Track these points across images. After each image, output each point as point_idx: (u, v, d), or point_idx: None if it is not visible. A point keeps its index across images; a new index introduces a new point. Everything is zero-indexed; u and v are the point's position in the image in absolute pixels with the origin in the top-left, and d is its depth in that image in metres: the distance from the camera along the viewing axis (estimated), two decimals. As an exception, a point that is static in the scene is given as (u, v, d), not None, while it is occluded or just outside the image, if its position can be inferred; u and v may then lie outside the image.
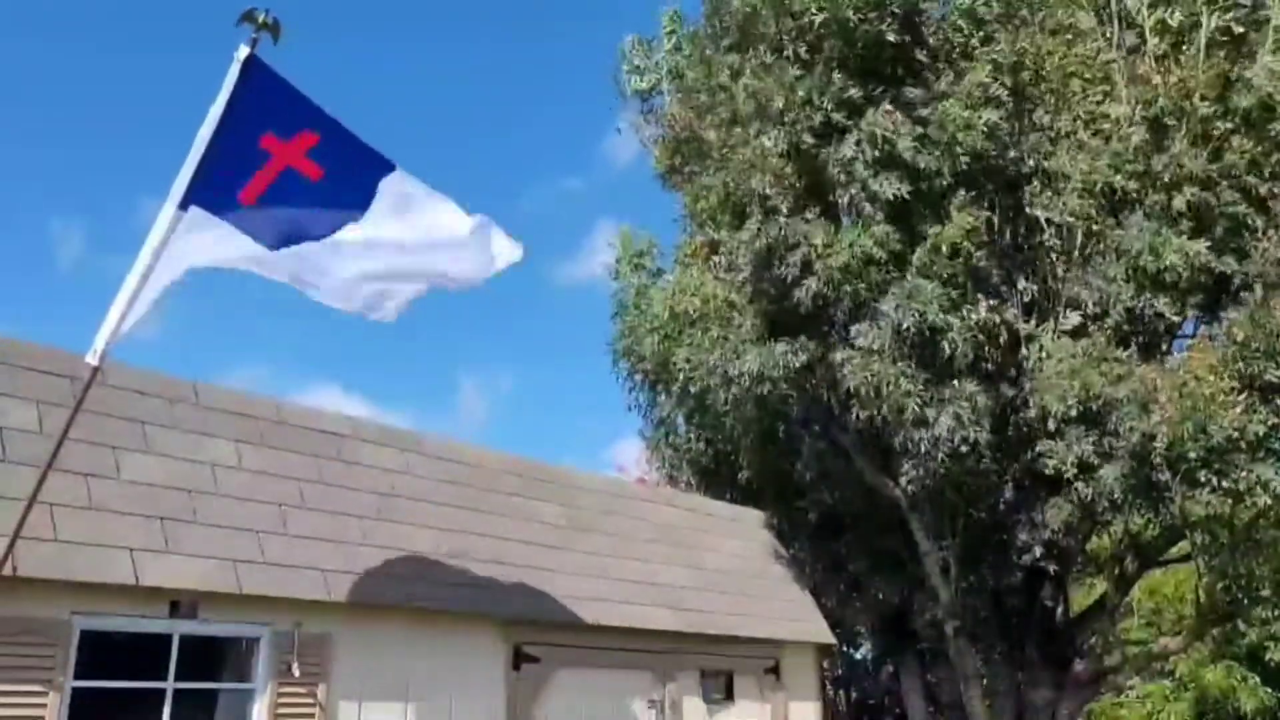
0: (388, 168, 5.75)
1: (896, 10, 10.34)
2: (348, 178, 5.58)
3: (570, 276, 50.68)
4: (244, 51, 4.91)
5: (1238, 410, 8.67)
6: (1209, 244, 9.55)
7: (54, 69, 38.10)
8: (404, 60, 44.83)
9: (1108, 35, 10.48)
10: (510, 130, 47.39)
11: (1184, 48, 10.09)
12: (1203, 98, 9.65)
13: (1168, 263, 9.42)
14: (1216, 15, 9.95)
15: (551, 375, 52.41)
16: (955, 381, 9.99)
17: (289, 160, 5.23)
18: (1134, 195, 9.97)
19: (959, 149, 9.93)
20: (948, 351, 9.84)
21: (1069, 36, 10.58)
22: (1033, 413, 9.79)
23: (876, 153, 9.90)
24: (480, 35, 44.27)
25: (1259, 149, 9.52)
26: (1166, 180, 9.69)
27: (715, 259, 12.39)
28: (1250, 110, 9.51)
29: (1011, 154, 10.58)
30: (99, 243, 44.17)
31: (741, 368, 10.76)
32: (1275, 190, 9.48)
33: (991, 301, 10.21)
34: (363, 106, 40.00)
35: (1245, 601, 11.54)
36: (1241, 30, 10.00)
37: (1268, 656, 16.61)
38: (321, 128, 5.38)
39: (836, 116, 10.16)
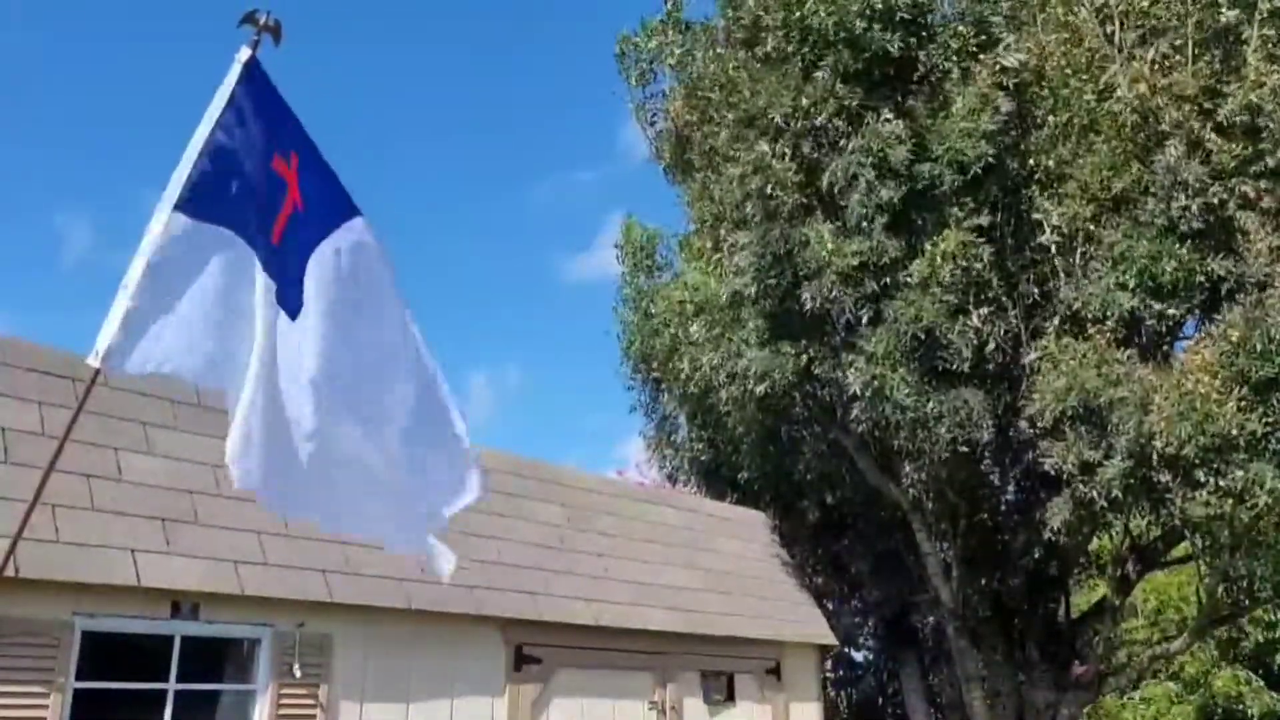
0: (352, 211, 4.95)
1: (906, 16, 10.34)
2: (317, 210, 4.92)
3: (580, 270, 50.55)
4: (245, 54, 4.89)
5: (1233, 408, 8.67)
6: (1204, 247, 9.56)
7: (59, 60, 38.12)
8: (417, 50, 44.65)
9: (1109, 33, 10.48)
10: (524, 121, 47.24)
11: (1174, 51, 10.08)
12: (1191, 103, 9.65)
13: (1165, 270, 9.43)
14: (1198, 12, 9.96)
15: (560, 371, 52.33)
16: (956, 385, 10.00)
17: (294, 192, 4.82)
18: (1132, 199, 9.97)
19: (960, 156, 9.94)
20: (949, 356, 9.86)
21: (1067, 35, 10.57)
22: (1033, 413, 9.79)
23: (874, 159, 9.91)
24: (494, 25, 44.18)
25: (1247, 151, 9.53)
26: (1162, 184, 9.69)
27: (719, 257, 12.40)
28: (1236, 113, 9.52)
29: (1013, 158, 10.58)
30: (105, 237, 44.09)
31: (743, 367, 10.78)
32: (1264, 191, 9.48)
33: (990, 308, 10.21)
34: (375, 96, 40.02)
35: (1246, 603, 11.54)
36: (1232, 22, 9.99)
37: (1277, 659, 16.67)
38: (300, 145, 4.92)
39: (838, 123, 10.19)
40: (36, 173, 40.49)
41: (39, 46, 37.04)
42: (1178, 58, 9.96)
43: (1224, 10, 9.96)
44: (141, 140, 40.69)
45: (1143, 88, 9.78)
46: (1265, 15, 9.83)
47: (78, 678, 6.05)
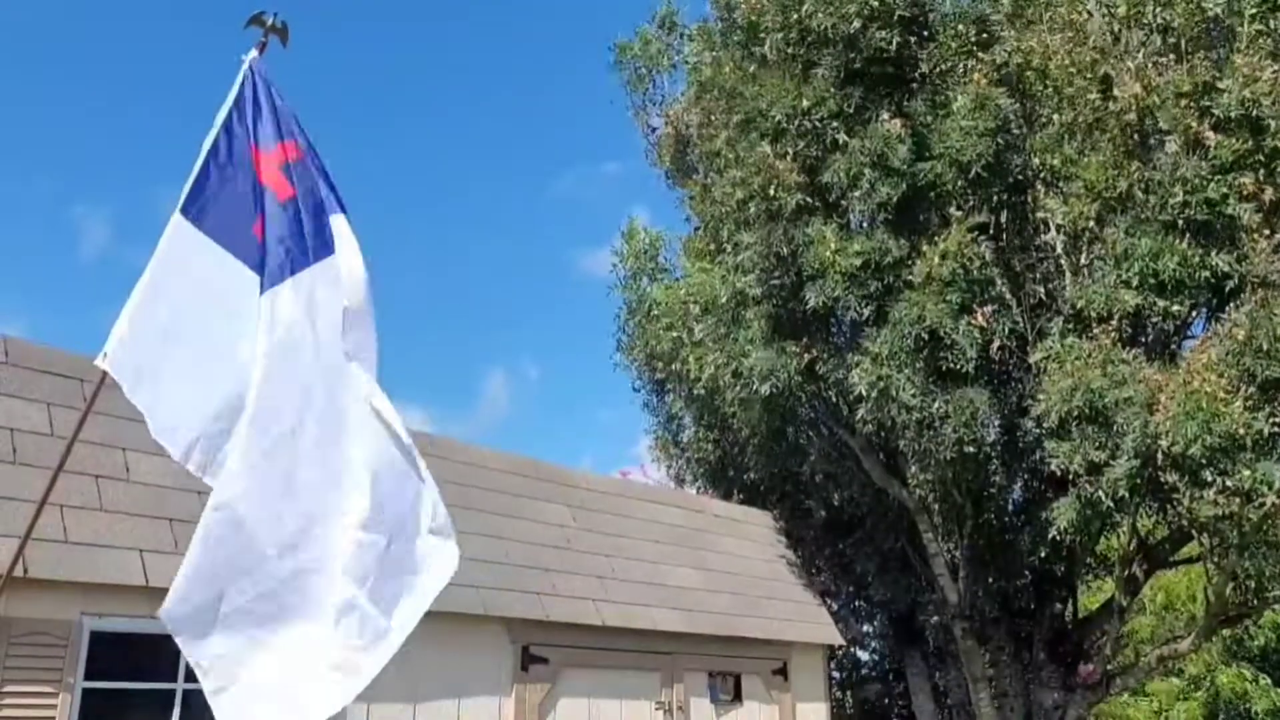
0: (337, 207, 4.73)
1: (906, 15, 10.36)
2: (310, 206, 4.72)
3: (597, 264, 50.27)
4: (253, 55, 4.92)
5: (1238, 407, 8.65)
6: (1207, 243, 9.55)
7: (71, 49, 38.09)
8: (441, 39, 44.41)
9: (1115, 31, 10.48)
10: (549, 112, 46.95)
11: (1169, 49, 10.09)
12: (1188, 99, 9.65)
13: (1168, 266, 9.42)
14: (1187, 8, 9.98)
15: (577, 366, 52.20)
16: (962, 385, 10.00)
17: (266, 178, 4.68)
18: (1134, 197, 9.96)
19: (960, 156, 9.95)
20: (954, 356, 9.86)
21: (1070, 34, 10.57)
22: (1039, 413, 9.79)
23: (874, 159, 9.93)
24: (520, 14, 44.01)
25: (1246, 145, 9.52)
26: (1163, 181, 9.68)
27: (722, 258, 12.43)
28: (1230, 108, 9.52)
29: (1016, 157, 10.59)
30: (122, 230, 43.99)
31: (748, 367, 10.79)
32: (1263, 183, 9.47)
33: (994, 307, 10.22)
34: (397, 85, 39.88)
35: (1255, 603, 11.51)
36: (1221, 15, 10.01)
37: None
38: (305, 142, 4.81)
39: (836, 124, 10.21)
40: (52, 163, 40.54)
41: (49, 38, 37.06)
42: (1171, 56, 9.97)
43: (1210, 4, 9.97)
44: (159, 131, 40.59)
45: (1138, 87, 9.78)
46: (1254, 11, 9.82)
47: (86, 677, 6.08)
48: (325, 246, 4.67)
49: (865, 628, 15.98)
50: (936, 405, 9.93)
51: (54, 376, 6.72)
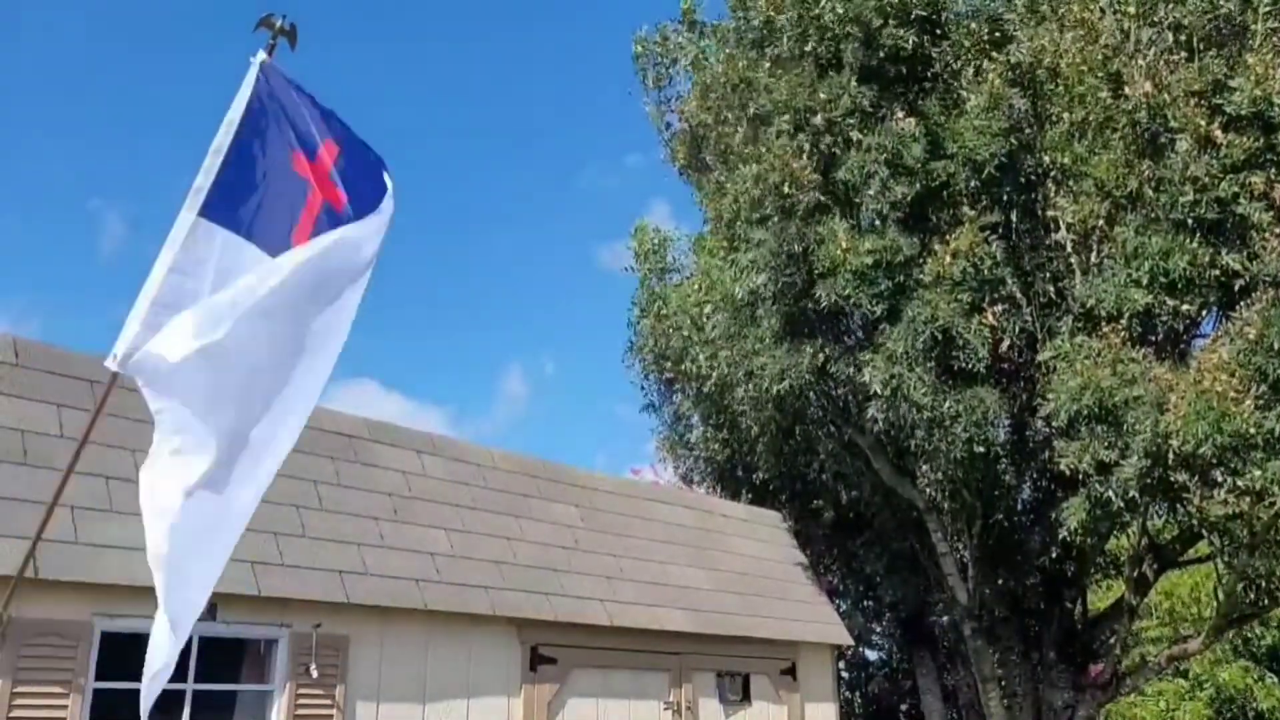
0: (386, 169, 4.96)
1: (922, 13, 10.34)
2: (362, 192, 4.86)
3: (616, 258, 50.13)
4: (261, 57, 4.91)
5: (1249, 406, 8.61)
6: (1217, 242, 9.51)
7: (86, 44, 38.16)
8: (461, 33, 44.32)
9: (1125, 29, 10.44)
10: (570, 104, 46.76)
11: (1179, 46, 10.05)
12: (1199, 98, 9.61)
13: (1178, 265, 9.39)
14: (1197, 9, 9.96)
15: (595, 362, 52.15)
16: (973, 384, 9.98)
17: (322, 190, 4.78)
18: (1145, 196, 9.92)
19: (974, 155, 9.93)
20: (965, 355, 9.83)
21: (1082, 32, 10.54)
22: (1049, 413, 9.76)
23: (888, 157, 9.92)
24: (541, 7, 43.86)
25: (1257, 144, 9.48)
26: (1173, 180, 9.64)
27: (734, 257, 12.42)
28: (1242, 106, 9.47)
29: (1028, 156, 10.56)
30: (138, 225, 44.00)
31: (759, 365, 10.77)
32: (1275, 183, 9.42)
33: (1005, 306, 10.19)
34: (415, 80, 39.84)
35: (1265, 602, 11.46)
36: (1234, 13, 9.99)
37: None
38: (338, 134, 4.87)
39: (851, 121, 10.19)
40: (68, 158, 40.56)
41: (63, 33, 37.12)
42: (1183, 53, 9.93)
43: (1222, 1, 9.93)
44: (174, 128, 40.62)
45: (1149, 85, 9.74)
46: (1267, 9, 9.79)
47: (97, 678, 6.09)
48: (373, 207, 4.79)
49: (874, 627, 15.97)
50: (947, 404, 9.91)
51: (64, 378, 6.73)
